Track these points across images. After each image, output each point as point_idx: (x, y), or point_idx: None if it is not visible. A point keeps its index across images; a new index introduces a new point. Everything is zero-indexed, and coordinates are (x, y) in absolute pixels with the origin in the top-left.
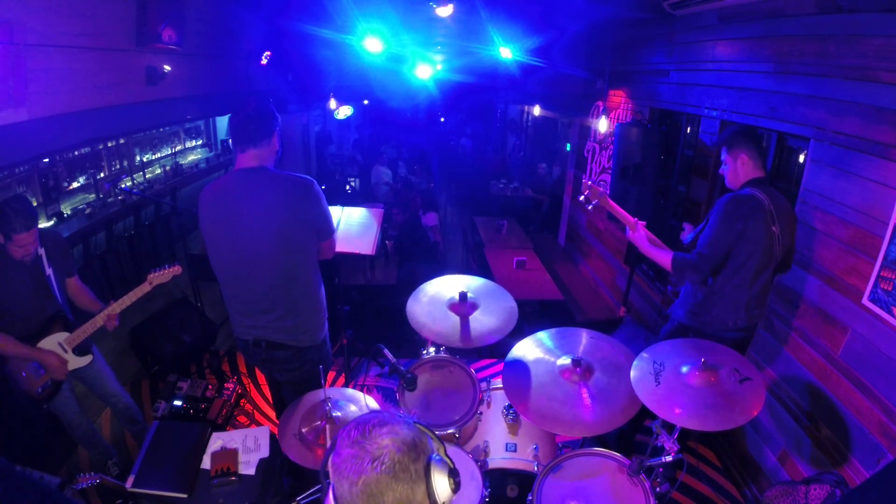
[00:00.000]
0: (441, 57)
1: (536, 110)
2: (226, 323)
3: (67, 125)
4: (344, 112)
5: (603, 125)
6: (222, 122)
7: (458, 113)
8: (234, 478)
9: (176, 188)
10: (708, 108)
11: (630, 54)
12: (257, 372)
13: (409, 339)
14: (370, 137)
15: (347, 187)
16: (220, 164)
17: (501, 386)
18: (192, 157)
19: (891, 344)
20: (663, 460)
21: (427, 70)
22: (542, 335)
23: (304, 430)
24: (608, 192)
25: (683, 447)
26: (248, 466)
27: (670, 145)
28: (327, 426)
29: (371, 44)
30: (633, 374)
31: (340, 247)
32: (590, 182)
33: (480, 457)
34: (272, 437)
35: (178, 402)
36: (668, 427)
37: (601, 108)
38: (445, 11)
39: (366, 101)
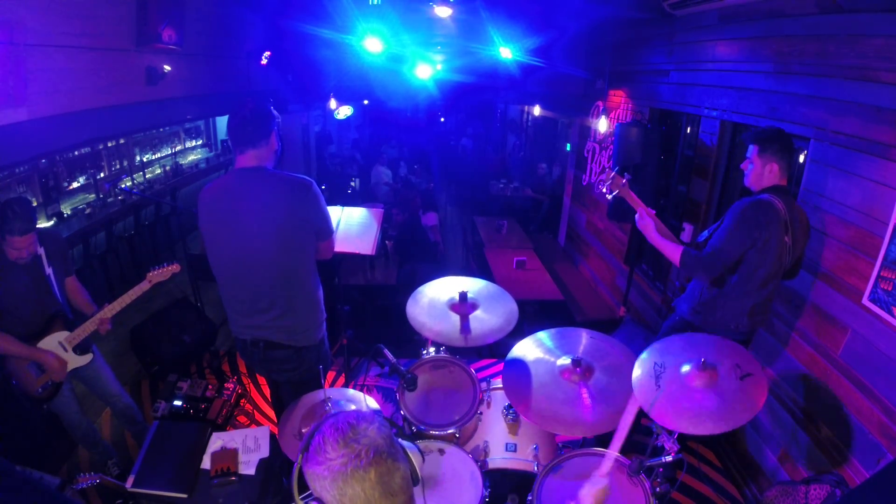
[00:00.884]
0: (441, 57)
1: (536, 110)
2: (226, 323)
3: (67, 125)
4: (344, 112)
5: (603, 125)
6: (222, 122)
7: (458, 113)
8: (234, 478)
9: (176, 188)
10: (708, 108)
11: (630, 54)
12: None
13: (409, 339)
14: (370, 137)
15: (350, 187)
16: (220, 164)
17: (501, 386)
18: (192, 157)
19: (891, 344)
20: (663, 460)
21: (427, 70)
22: (542, 335)
23: (304, 431)
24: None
25: (683, 447)
26: (248, 466)
27: (670, 145)
28: None
29: (371, 44)
30: (634, 379)
31: (340, 247)
32: (613, 172)
33: (480, 457)
34: (272, 437)
35: (178, 402)
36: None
37: (601, 108)
38: (445, 12)
39: (366, 101)
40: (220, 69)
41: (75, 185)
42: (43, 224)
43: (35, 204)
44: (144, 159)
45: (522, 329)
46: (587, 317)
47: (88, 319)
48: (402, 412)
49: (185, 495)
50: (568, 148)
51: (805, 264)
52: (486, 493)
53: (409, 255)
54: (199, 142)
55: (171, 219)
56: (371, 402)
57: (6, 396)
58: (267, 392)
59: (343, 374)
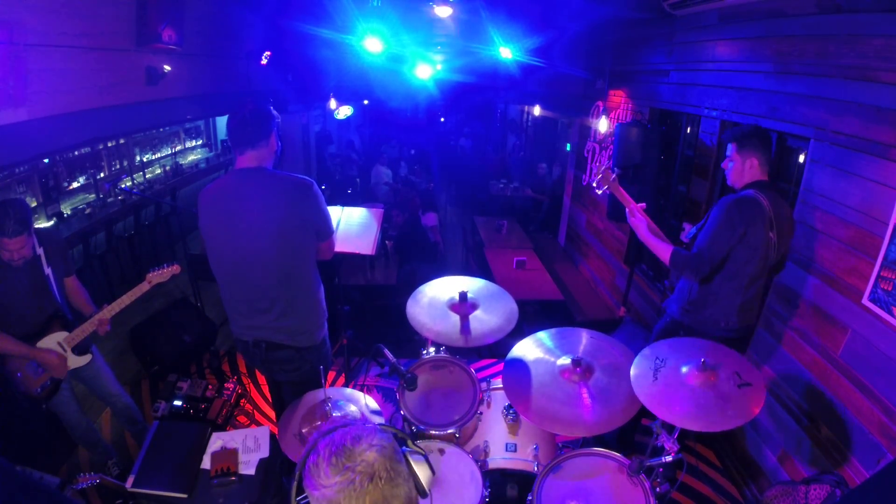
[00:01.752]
0: (441, 57)
1: (536, 110)
2: (226, 323)
3: (67, 125)
4: (344, 112)
5: (603, 125)
6: (222, 122)
7: (458, 113)
8: (234, 478)
9: (176, 188)
10: (708, 108)
11: (630, 54)
12: (257, 372)
13: (409, 339)
14: (370, 137)
15: (353, 186)
16: (220, 164)
17: (501, 386)
18: (192, 157)
19: (891, 344)
20: (663, 460)
21: (427, 70)
22: (542, 335)
23: (304, 431)
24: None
25: (683, 447)
26: (248, 466)
27: (670, 145)
28: None
29: (371, 44)
30: (632, 370)
31: (340, 247)
32: (604, 167)
33: (480, 457)
34: (272, 437)
35: (178, 402)
36: (668, 427)
37: (601, 108)
38: (445, 12)
39: (366, 102)
40: (220, 69)
41: (75, 185)
42: (43, 224)
43: (34, 204)
44: (144, 159)
45: (522, 329)
46: (587, 317)
47: (87, 320)
48: (401, 412)
49: (185, 495)
50: (568, 148)
51: (805, 264)
52: (487, 493)
53: (408, 255)
54: (199, 142)
55: (171, 219)
56: (371, 402)
57: (6, 396)
58: (267, 392)
59: (343, 374)
